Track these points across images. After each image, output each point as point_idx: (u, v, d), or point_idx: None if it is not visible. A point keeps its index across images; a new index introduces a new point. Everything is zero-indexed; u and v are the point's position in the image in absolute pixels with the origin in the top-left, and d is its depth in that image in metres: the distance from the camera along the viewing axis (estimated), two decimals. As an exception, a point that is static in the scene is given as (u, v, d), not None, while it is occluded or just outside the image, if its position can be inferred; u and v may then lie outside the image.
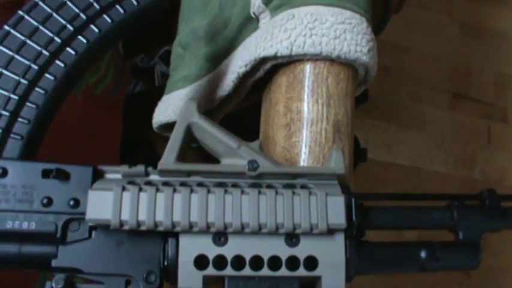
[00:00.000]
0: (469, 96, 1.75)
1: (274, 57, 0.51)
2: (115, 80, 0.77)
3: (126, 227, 0.41)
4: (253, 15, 0.56)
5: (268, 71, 0.55)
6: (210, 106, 0.61)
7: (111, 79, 0.75)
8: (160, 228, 0.41)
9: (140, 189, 0.41)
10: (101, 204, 0.41)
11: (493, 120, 1.74)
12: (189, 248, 0.41)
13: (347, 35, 0.50)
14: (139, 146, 0.84)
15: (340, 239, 0.42)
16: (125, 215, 0.41)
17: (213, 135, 0.45)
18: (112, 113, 0.77)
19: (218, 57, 0.62)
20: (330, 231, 0.42)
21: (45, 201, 0.43)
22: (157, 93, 0.69)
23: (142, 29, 0.98)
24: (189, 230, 0.41)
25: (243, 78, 0.56)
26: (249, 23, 0.57)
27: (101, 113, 0.73)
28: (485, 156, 1.69)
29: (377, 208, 0.45)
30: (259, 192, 0.42)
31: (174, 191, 0.41)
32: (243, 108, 0.64)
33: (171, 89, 0.69)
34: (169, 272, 0.42)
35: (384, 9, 1.14)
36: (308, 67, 0.51)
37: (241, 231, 0.41)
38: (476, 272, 1.56)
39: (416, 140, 1.64)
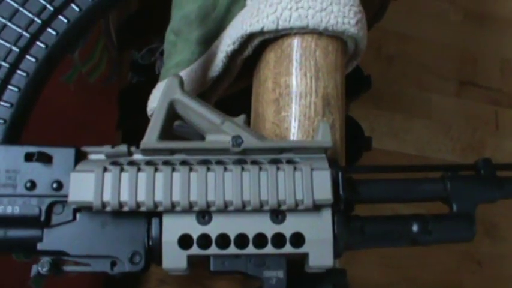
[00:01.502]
0: (476, 83, 1.73)
1: (261, 32, 0.50)
2: (109, 70, 0.76)
3: (108, 209, 0.40)
4: (240, -7, 0.55)
5: (256, 49, 0.54)
6: (202, 89, 0.61)
7: (105, 68, 0.74)
8: (143, 209, 0.40)
9: (122, 170, 0.40)
10: (83, 186, 0.40)
11: (501, 106, 1.71)
12: (173, 227, 0.40)
13: (333, 7, 0.49)
14: (137, 135, 0.83)
15: (327, 215, 0.41)
16: (107, 196, 0.40)
17: (196, 112, 0.44)
18: (106, 102, 0.77)
19: (209, 40, 0.61)
20: (316, 207, 0.40)
21: (28, 184, 0.42)
22: (155, 82, 0.69)
23: (136, 19, 0.97)
24: (172, 209, 0.40)
25: (232, 57, 0.55)
26: (237, 1, 0.56)
27: (94, 101, 0.72)
28: (493, 142, 1.66)
29: (366, 181, 0.44)
30: (243, 169, 0.40)
31: (156, 170, 0.40)
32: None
33: (164, 76, 0.68)
34: (153, 253, 0.41)
35: (383, -5, 1.13)
36: (295, 41, 0.50)
37: (224, 209, 0.40)
38: (488, 260, 1.55)
39: (423, 128, 1.62)
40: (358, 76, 1.28)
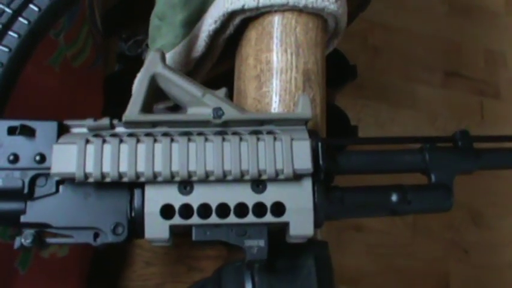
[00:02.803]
0: (461, 74, 1.74)
1: (242, 10, 0.51)
2: (94, 55, 0.76)
3: (91, 180, 0.40)
4: (221, -26, 0.56)
5: (238, 28, 0.54)
6: (186, 70, 0.61)
7: (90, 52, 0.74)
8: (125, 179, 0.40)
9: (104, 141, 0.41)
10: (65, 158, 0.41)
11: (486, 97, 1.73)
12: (155, 198, 0.41)
13: (314, -16, 0.50)
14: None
15: (307, 184, 0.42)
16: (89, 168, 0.40)
17: (177, 85, 0.44)
18: (91, 87, 0.77)
19: (192, 22, 0.61)
20: (297, 177, 0.41)
21: (11, 157, 0.42)
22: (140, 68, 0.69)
23: (122, 6, 0.97)
24: (154, 180, 0.40)
25: (215, 37, 0.56)
26: (219, -18, 0.57)
27: (79, 86, 0.72)
28: (479, 132, 1.64)
29: (346, 152, 0.44)
30: (223, 139, 0.41)
31: (138, 141, 0.41)
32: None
33: (149, 60, 0.68)
34: (136, 223, 0.42)
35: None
36: (276, 18, 0.51)
37: (206, 179, 0.41)
38: (475, 248, 1.56)
39: (409, 119, 1.63)
40: (343, 65, 1.29)
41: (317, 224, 0.42)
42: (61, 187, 0.42)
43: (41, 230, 0.42)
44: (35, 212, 0.42)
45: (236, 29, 0.54)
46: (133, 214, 0.42)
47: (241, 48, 0.54)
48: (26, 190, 0.42)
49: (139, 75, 0.63)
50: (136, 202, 0.42)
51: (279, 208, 0.41)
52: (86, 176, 0.40)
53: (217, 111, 0.43)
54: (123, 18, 0.97)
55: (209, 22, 0.54)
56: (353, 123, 1.31)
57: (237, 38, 0.55)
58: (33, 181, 0.42)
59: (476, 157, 0.46)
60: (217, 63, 0.61)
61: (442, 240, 1.54)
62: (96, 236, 0.42)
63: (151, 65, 0.44)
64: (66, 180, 0.42)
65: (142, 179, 0.41)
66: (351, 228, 1.47)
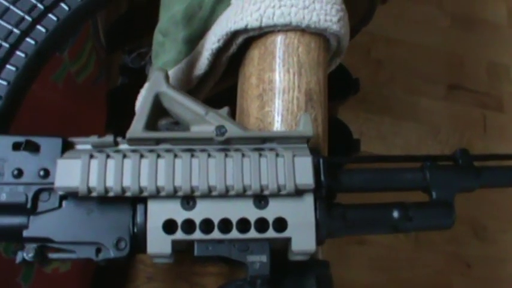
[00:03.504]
0: (464, 87, 1.75)
1: (245, 30, 0.52)
2: (97, 71, 0.77)
3: (94, 194, 0.41)
4: (225, -8, 0.57)
5: (241, 47, 0.55)
6: (189, 87, 0.62)
7: (93, 68, 0.75)
8: (128, 194, 0.41)
9: (108, 156, 0.42)
10: (69, 172, 0.41)
11: (488, 110, 1.73)
12: (158, 213, 0.41)
13: (316, 4, 0.50)
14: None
15: (309, 200, 0.42)
16: (93, 182, 0.41)
17: (181, 103, 0.45)
18: (94, 101, 0.78)
19: (195, 39, 0.62)
20: (299, 192, 0.42)
21: (15, 172, 0.43)
22: (143, 84, 0.70)
23: (125, 21, 0.98)
24: (157, 194, 0.41)
25: (217, 55, 0.56)
26: (222, 1, 0.58)
27: (83, 101, 0.73)
28: (481, 145, 1.68)
29: (348, 170, 0.45)
30: (226, 155, 0.42)
31: (141, 156, 0.41)
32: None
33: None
34: (138, 238, 0.42)
35: (369, 0, 1.14)
36: (279, 38, 0.51)
37: (208, 194, 0.41)
38: (477, 261, 1.56)
39: (411, 132, 1.64)
40: (346, 79, 1.30)
41: (319, 241, 0.42)
42: (64, 202, 0.43)
43: (43, 244, 0.42)
44: (37, 227, 0.42)
45: (239, 48, 0.55)
46: (135, 229, 0.42)
47: (244, 67, 0.54)
48: (29, 205, 0.42)
49: (143, 93, 0.64)
50: (139, 217, 0.42)
51: (281, 223, 0.41)
52: (89, 190, 0.41)
53: (220, 129, 0.43)
54: (126, 32, 0.98)
55: (212, 40, 0.55)
56: (355, 137, 1.31)
57: (240, 56, 0.56)
58: (36, 196, 0.43)
59: (477, 175, 0.46)
60: (220, 80, 0.62)
61: (445, 253, 1.54)
62: (98, 251, 0.42)
63: (155, 84, 0.45)
64: (69, 195, 0.42)
65: (145, 194, 0.41)
66: (354, 241, 1.47)
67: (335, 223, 0.43)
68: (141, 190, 0.41)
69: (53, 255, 0.42)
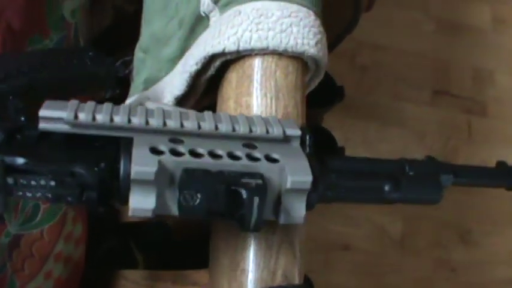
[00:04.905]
0: (449, 92, 1.75)
1: (223, 53, 0.52)
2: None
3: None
4: (203, 14, 0.56)
5: (220, 68, 0.55)
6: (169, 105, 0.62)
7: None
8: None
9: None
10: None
11: (473, 115, 1.74)
12: (144, 143, 0.40)
13: (293, 28, 0.50)
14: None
15: (296, 145, 0.45)
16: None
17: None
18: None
19: (175, 58, 0.62)
20: (286, 138, 0.44)
21: None
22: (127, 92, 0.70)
23: (109, 35, 0.97)
24: (144, 128, 0.42)
25: (196, 77, 0.56)
26: (200, 22, 0.57)
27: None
28: (466, 150, 1.69)
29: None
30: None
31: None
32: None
33: (133, 92, 0.69)
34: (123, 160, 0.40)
35: (354, 8, 1.15)
36: (256, 62, 0.51)
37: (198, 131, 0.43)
38: (462, 266, 1.57)
39: (397, 137, 1.65)
40: (331, 87, 1.29)
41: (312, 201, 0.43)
42: None
43: None
44: None
45: (217, 70, 0.55)
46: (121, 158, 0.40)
47: (223, 89, 0.54)
48: None
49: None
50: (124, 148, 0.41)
51: (272, 159, 0.42)
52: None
53: None
54: (111, 45, 0.98)
55: (190, 63, 0.55)
56: (341, 143, 1.31)
57: (219, 78, 0.56)
58: None
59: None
60: (201, 98, 0.62)
61: (430, 258, 1.55)
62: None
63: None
64: None
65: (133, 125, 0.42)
66: (339, 247, 1.47)
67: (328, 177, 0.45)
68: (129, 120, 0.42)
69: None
